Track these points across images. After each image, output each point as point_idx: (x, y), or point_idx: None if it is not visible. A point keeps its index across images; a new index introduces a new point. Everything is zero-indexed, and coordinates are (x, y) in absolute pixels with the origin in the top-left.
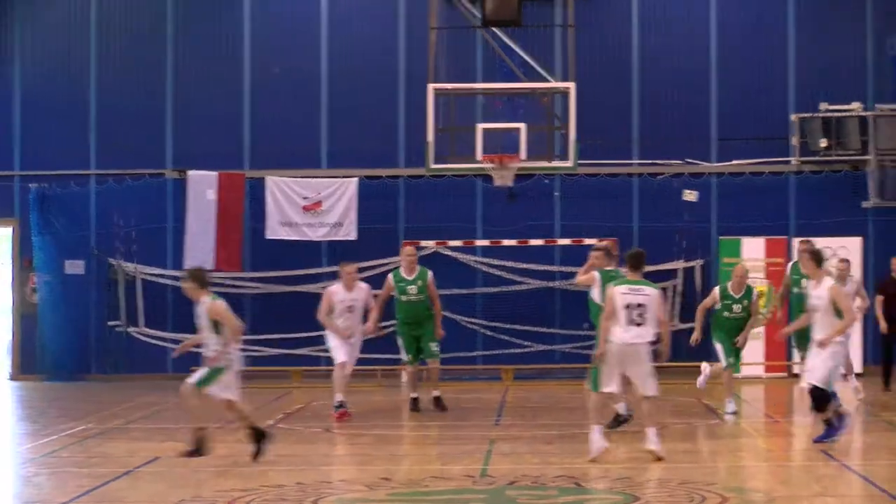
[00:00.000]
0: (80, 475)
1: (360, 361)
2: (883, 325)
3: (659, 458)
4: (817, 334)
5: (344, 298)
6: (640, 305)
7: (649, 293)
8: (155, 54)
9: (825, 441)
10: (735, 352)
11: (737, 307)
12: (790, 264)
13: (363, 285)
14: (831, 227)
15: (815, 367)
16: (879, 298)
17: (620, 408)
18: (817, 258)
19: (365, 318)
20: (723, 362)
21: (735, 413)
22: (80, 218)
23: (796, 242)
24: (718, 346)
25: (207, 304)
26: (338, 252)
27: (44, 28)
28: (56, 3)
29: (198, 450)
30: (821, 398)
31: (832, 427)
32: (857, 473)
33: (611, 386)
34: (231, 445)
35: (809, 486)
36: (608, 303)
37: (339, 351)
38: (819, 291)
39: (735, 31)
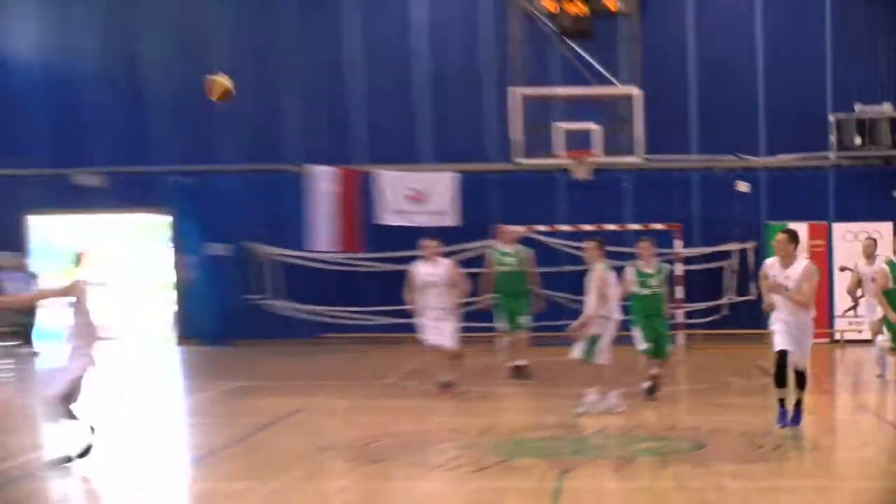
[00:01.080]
0: (234, 425)
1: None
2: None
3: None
4: (786, 314)
5: (424, 272)
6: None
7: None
8: (275, 68)
9: (797, 426)
10: None
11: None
12: (887, 261)
13: (445, 261)
14: (865, 213)
15: (805, 349)
16: None
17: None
18: (795, 239)
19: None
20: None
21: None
22: (221, 207)
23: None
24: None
25: None
26: (440, 235)
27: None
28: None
29: None
30: (804, 378)
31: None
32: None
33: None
34: (354, 400)
35: (852, 438)
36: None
37: (426, 333)
38: (790, 272)
39: (779, 41)
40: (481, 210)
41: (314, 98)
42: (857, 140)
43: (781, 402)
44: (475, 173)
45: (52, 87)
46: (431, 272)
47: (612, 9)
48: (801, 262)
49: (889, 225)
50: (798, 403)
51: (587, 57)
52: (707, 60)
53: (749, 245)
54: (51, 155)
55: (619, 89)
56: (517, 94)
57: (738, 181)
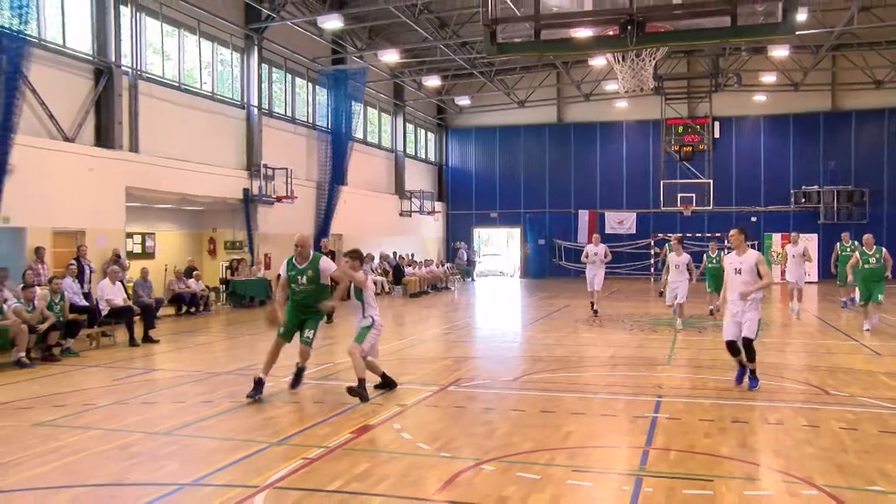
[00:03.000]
0: (542, 307)
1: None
2: None
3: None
4: (736, 296)
5: (590, 251)
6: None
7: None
8: (567, 168)
9: (755, 388)
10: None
11: (873, 260)
12: (858, 249)
13: (603, 246)
14: (803, 229)
15: (750, 324)
16: None
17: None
18: (744, 234)
19: None
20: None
21: (868, 329)
22: (542, 225)
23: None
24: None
25: None
26: (627, 238)
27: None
28: None
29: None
30: (752, 349)
31: (755, 376)
32: None
33: None
34: (577, 298)
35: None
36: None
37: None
38: (743, 259)
39: (770, 156)
40: (646, 229)
41: (582, 182)
42: (802, 200)
43: (740, 363)
44: (644, 213)
45: None
46: (595, 251)
47: (702, 148)
48: (751, 252)
49: (815, 235)
50: (752, 372)
51: (691, 168)
52: (740, 166)
53: (752, 243)
54: (477, 204)
55: (703, 180)
56: (662, 183)
57: (752, 216)
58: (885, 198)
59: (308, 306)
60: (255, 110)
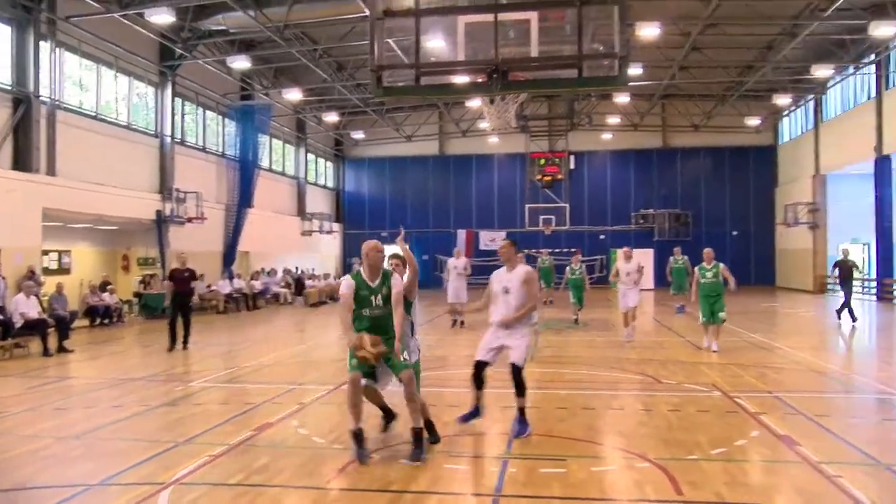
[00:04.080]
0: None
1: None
2: None
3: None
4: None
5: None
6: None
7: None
8: (449, 195)
9: (524, 436)
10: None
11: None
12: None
13: (464, 259)
14: (641, 245)
15: (517, 347)
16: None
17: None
18: (515, 246)
19: None
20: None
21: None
22: (427, 243)
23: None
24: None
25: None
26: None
27: None
28: None
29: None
30: (521, 380)
31: (524, 418)
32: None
33: None
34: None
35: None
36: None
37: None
38: (512, 276)
39: (615, 182)
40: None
41: (460, 205)
42: (641, 221)
43: (477, 399)
44: (512, 231)
45: None
46: (455, 264)
47: (560, 178)
48: (521, 268)
49: (651, 250)
50: (521, 412)
51: (551, 194)
52: (591, 192)
53: (601, 257)
54: (370, 224)
55: (561, 204)
56: (528, 207)
57: (601, 235)
58: (703, 219)
59: (379, 333)
60: (168, 139)
